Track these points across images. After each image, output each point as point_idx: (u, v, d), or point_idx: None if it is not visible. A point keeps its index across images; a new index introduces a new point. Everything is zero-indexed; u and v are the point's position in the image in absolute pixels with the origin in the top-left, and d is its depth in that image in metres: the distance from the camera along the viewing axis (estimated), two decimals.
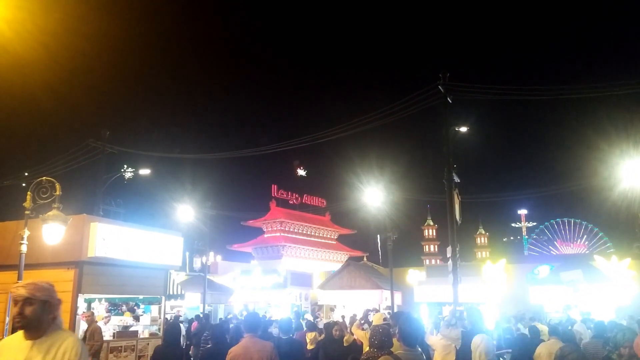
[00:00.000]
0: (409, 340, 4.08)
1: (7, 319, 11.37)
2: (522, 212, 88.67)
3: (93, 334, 10.97)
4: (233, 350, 5.68)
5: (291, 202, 48.11)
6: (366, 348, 8.03)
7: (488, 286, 22.71)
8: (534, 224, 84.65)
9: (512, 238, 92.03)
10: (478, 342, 6.76)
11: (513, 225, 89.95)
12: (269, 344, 5.79)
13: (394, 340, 4.53)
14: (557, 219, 77.28)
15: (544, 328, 11.44)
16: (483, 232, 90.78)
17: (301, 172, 52.13)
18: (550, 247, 76.69)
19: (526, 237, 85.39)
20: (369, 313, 13.32)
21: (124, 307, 14.71)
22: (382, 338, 4.11)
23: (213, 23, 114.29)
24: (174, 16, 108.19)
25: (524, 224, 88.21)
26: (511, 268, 24.81)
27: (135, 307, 14.78)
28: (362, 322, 9.25)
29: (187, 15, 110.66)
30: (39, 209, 8.60)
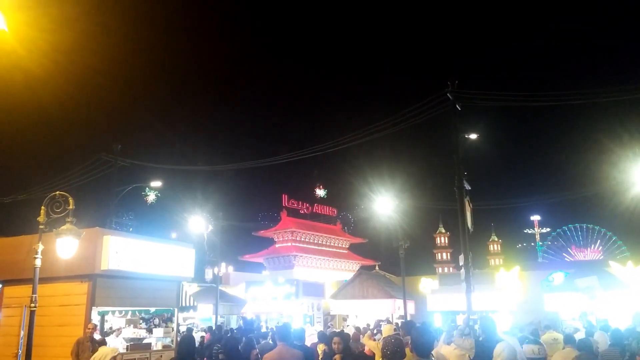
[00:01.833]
0: (422, 351, 4.04)
1: (22, 332, 11.47)
2: (535, 218, 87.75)
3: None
4: (268, 357, 6.15)
5: (302, 211, 48.08)
6: (378, 359, 7.96)
7: (502, 294, 22.45)
8: (548, 230, 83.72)
9: (525, 244, 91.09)
10: (499, 351, 6.64)
11: (526, 231, 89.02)
12: (299, 353, 6.26)
13: (407, 350, 4.49)
14: (570, 225, 76.41)
15: (559, 336, 11.29)
16: (496, 239, 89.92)
17: (320, 192, 52.04)
18: (564, 253, 75.76)
19: (540, 243, 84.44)
20: (380, 323, 13.20)
21: (157, 320, 14.74)
22: (394, 349, 4.09)
23: (223, 38, 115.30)
24: (185, 32, 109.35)
25: (537, 230, 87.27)
26: (525, 275, 24.52)
27: (173, 317, 14.75)
28: (375, 332, 9.15)
29: (199, 31, 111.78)
30: (52, 223, 8.68)
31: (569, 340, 7.58)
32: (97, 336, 11.60)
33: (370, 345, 8.65)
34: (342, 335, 7.88)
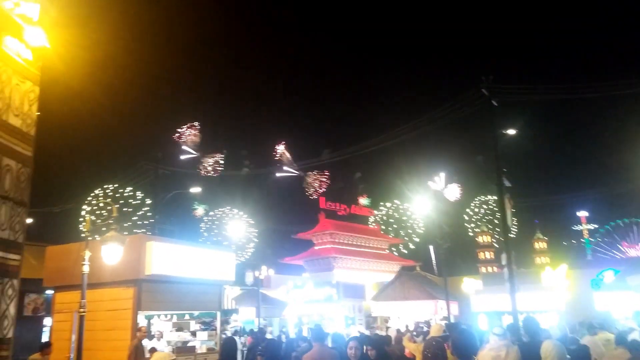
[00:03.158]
0: (462, 353, 3.97)
1: (74, 336, 11.91)
2: (583, 214, 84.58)
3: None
4: (308, 356, 6.32)
5: (340, 213, 48.02)
6: None
7: (549, 293, 21.79)
8: (596, 226, 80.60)
9: (572, 242, 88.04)
10: (550, 349, 6.41)
11: (573, 228, 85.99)
12: (336, 353, 6.46)
13: (448, 353, 4.42)
14: (619, 220, 73.31)
15: (611, 337, 10.85)
16: (541, 236, 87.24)
17: (363, 201, 51.89)
18: (614, 250, 72.82)
19: (588, 240, 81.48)
20: (421, 325, 13.01)
21: (215, 323, 15.10)
22: (435, 351, 4.04)
23: (260, 44, 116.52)
24: (225, 40, 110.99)
25: (584, 227, 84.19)
26: (573, 274, 23.72)
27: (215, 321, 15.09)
28: (414, 334, 9.02)
29: (240, 37, 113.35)
30: (98, 231, 8.99)
31: (621, 340, 7.25)
32: (145, 342, 11.91)
33: (411, 347, 8.56)
34: (363, 339, 6.83)
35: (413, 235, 60.76)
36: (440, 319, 22.64)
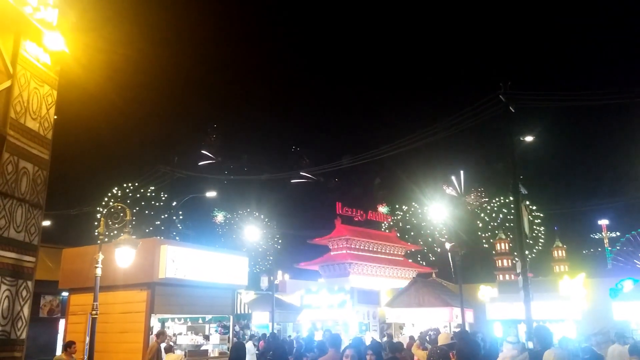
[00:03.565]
0: None
1: (87, 338, 12.06)
2: (603, 222, 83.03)
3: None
4: None
5: (356, 219, 47.91)
6: None
7: (566, 302, 21.46)
8: (617, 234, 79.06)
9: (592, 250, 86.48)
10: (550, 358, 6.35)
11: (593, 236, 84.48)
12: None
13: None
14: None
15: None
16: (560, 244, 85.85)
17: (383, 209, 51.93)
18: (635, 260, 71.36)
19: (608, 249, 79.98)
20: (429, 333, 12.95)
21: (237, 327, 15.20)
22: (439, 359, 4.01)
23: (278, 51, 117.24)
24: (241, 47, 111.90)
25: (605, 235, 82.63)
26: (591, 283, 23.31)
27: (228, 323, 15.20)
28: (427, 339, 8.96)
29: (256, 46, 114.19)
30: (116, 235, 9.12)
31: (634, 350, 7.11)
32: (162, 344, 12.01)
33: (419, 354, 8.49)
34: (373, 346, 6.92)
35: (434, 245, 60.14)
36: (455, 327, 22.43)
